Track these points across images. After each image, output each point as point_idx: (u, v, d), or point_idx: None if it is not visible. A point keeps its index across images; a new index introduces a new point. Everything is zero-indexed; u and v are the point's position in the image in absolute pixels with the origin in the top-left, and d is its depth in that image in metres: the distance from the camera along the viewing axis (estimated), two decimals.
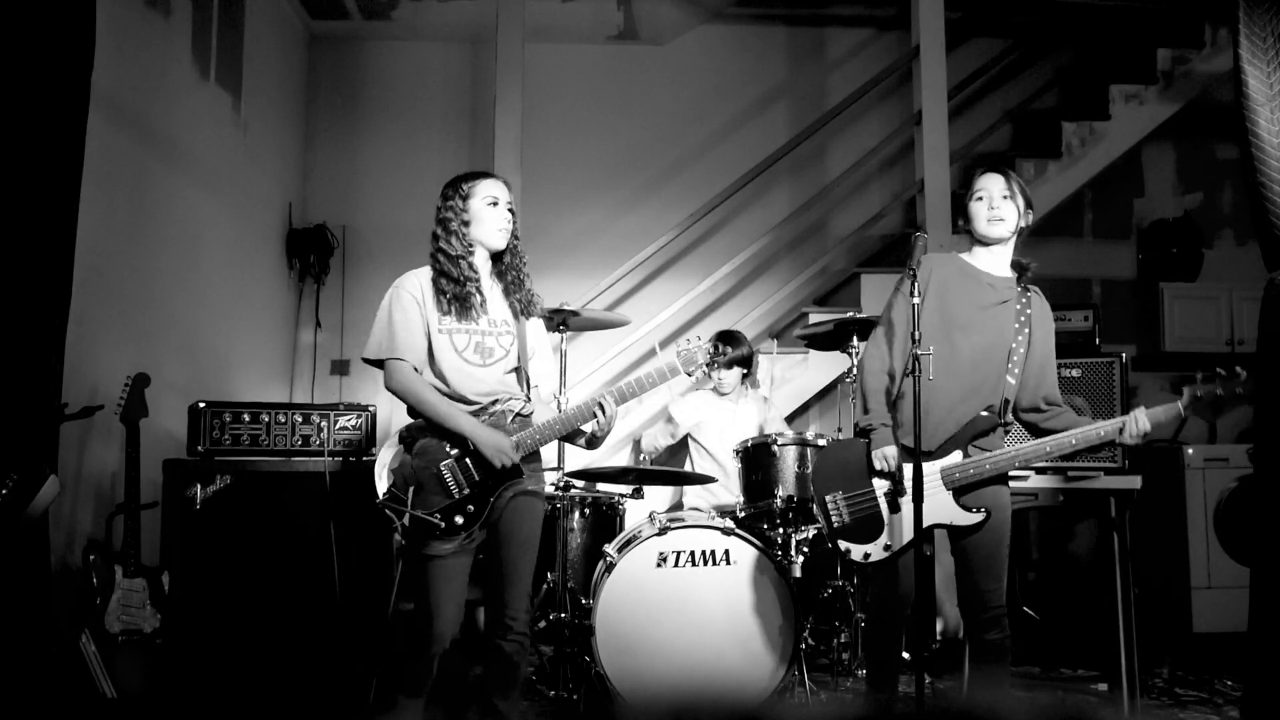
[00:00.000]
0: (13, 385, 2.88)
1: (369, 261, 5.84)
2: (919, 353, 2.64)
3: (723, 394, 4.48)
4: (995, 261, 2.91)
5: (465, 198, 2.79)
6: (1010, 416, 2.87)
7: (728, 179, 5.45)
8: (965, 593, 2.83)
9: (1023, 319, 2.87)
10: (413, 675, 2.75)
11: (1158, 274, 5.82)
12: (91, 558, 3.23)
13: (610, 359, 5.25)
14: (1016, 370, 2.83)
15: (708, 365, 2.80)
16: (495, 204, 2.79)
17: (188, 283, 4.42)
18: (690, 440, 4.56)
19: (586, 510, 3.86)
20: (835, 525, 2.87)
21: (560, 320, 3.84)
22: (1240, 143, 3.17)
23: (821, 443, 3.85)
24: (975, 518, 2.76)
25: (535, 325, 2.93)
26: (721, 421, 4.43)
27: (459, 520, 2.68)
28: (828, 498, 2.89)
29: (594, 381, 5.74)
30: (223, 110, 4.83)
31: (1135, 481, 3.75)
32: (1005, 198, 2.83)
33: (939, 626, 4.29)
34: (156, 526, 3.63)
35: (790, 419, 5.05)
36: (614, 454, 5.35)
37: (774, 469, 3.81)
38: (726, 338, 4.43)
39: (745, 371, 4.44)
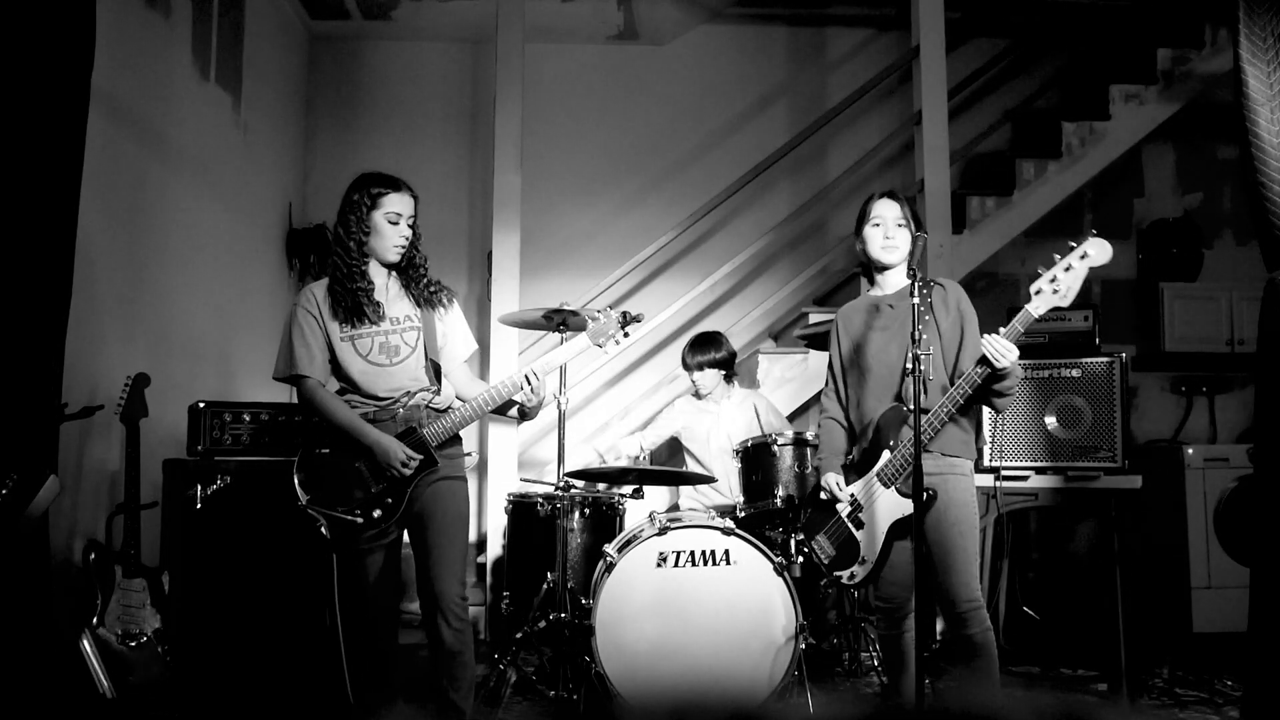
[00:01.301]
0: (13, 385, 2.88)
1: None
2: (919, 353, 2.65)
3: (701, 397, 4.44)
4: (897, 279, 2.99)
5: (370, 207, 2.81)
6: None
7: (728, 179, 5.45)
8: (936, 591, 2.83)
9: (922, 313, 2.83)
10: (375, 673, 2.80)
11: (1158, 274, 5.82)
12: (91, 558, 3.23)
13: (610, 359, 5.24)
14: (922, 357, 2.79)
15: (619, 336, 2.92)
16: (396, 221, 2.82)
17: (188, 283, 4.42)
18: (681, 445, 4.55)
19: (586, 510, 3.86)
20: (825, 562, 3.02)
21: (560, 320, 3.83)
22: (1240, 143, 3.17)
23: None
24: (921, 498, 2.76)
25: (446, 314, 2.96)
26: (705, 425, 4.40)
27: (376, 514, 2.76)
28: (813, 543, 3.06)
29: (594, 381, 5.75)
30: (223, 110, 4.83)
31: (1135, 481, 3.75)
32: (900, 225, 2.94)
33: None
34: (156, 526, 3.63)
35: (790, 419, 5.05)
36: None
37: (773, 469, 3.81)
38: (705, 340, 4.40)
39: (725, 373, 4.40)
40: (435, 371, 2.89)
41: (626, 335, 2.94)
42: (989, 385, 2.73)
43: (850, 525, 2.93)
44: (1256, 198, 3.11)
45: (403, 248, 2.85)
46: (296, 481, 2.81)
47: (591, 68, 6.11)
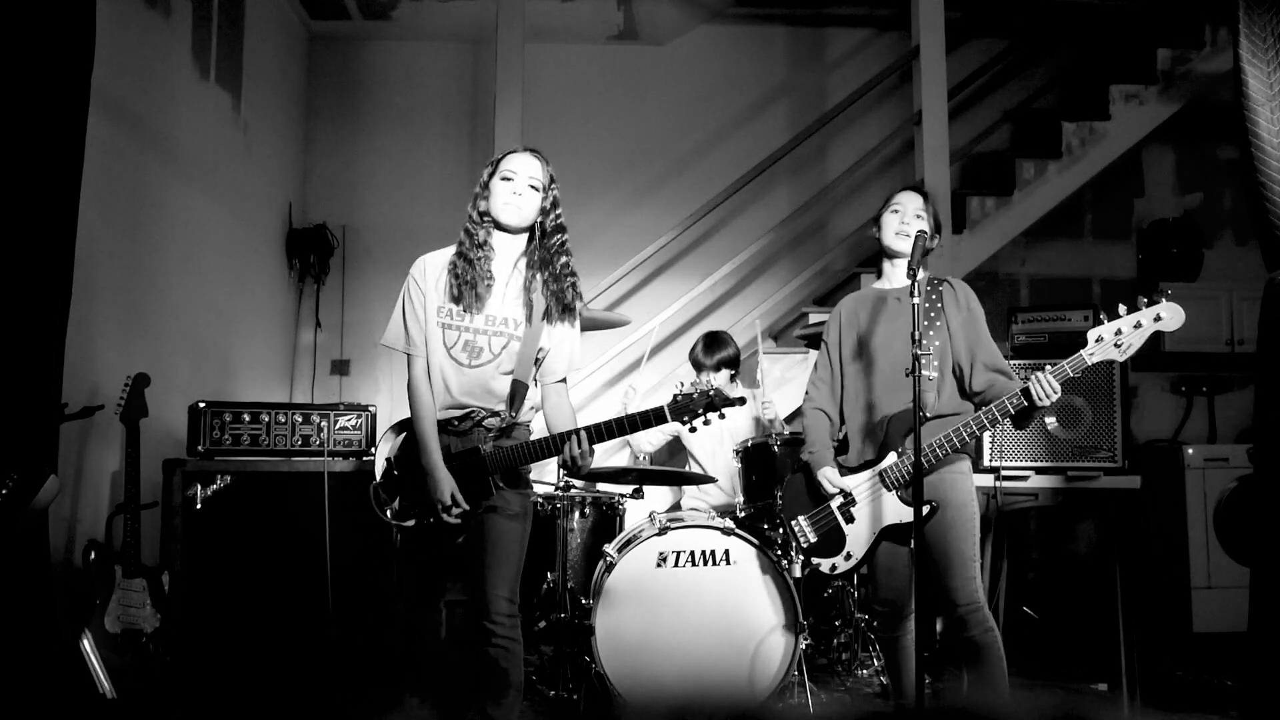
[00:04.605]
0: (13, 385, 2.88)
1: (369, 261, 5.85)
2: (918, 353, 2.65)
3: None
4: (903, 275, 2.90)
5: (491, 174, 2.72)
6: (933, 411, 2.81)
7: (728, 179, 5.45)
8: (936, 594, 2.80)
9: (931, 315, 2.90)
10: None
11: (1158, 274, 5.82)
12: (91, 558, 3.23)
13: (610, 359, 5.25)
14: (935, 362, 2.84)
15: (706, 419, 2.62)
16: (510, 178, 2.66)
17: (188, 283, 4.42)
18: (684, 443, 4.56)
19: (586, 510, 3.86)
20: (804, 545, 3.01)
21: None
22: (1240, 143, 3.17)
23: None
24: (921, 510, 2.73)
25: (558, 330, 2.70)
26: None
27: (430, 521, 2.67)
28: (792, 523, 3.03)
29: (594, 381, 5.75)
30: (223, 110, 4.83)
31: (1135, 481, 3.75)
32: (918, 217, 2.93)
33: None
34: (156, 526, 3.63)
35: (790, 419, 5.05)
36: (614, 454, 5.36)
37: (773, 469, 3.81)
38: (712, 338, 4.41)
39: (733, 373, 4.40)
40: (514, 389, 2.66)
41: (708, 423, 2.61)
42: (1022, 414, 2.69)
43: (840, 517, 2.92)
44: (1256, 198, 3.11)
45: (513, 206, 2.64)
46: (378, 470, 2.75)
47: (591, 68, 6.11)
